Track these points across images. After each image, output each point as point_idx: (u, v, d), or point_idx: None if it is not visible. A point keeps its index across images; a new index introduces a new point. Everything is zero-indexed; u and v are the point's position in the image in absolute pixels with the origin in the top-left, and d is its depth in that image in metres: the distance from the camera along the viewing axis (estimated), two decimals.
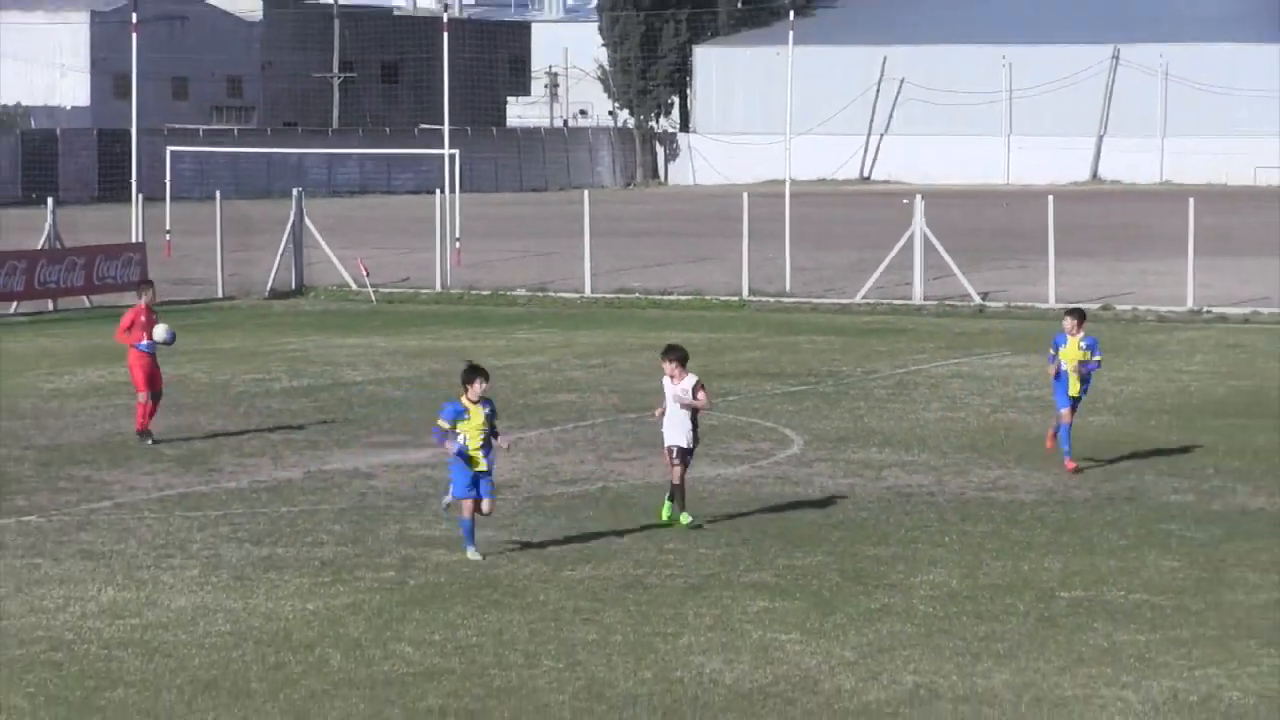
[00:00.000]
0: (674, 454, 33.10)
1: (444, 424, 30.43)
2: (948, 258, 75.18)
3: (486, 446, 30.61)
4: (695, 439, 33.53)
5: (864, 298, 74.95)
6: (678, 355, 33.35)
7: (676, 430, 32.94)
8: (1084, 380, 39.15)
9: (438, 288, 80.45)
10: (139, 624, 27.61)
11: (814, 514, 35.64)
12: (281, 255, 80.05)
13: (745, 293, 77.05)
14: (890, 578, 30.35)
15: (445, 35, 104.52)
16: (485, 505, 30.51)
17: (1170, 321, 69.13)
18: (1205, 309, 70.79)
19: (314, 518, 35.05)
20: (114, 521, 34.60)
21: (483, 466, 30.42)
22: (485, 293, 78.83)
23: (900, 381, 53.85)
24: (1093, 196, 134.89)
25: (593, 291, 77.68)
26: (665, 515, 33.19)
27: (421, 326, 67.25)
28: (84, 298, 72.16)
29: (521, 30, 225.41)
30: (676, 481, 33.09)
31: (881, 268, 76.63)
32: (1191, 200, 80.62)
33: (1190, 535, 34.08)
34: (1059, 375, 38.52)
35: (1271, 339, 63.80)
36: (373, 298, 77.22)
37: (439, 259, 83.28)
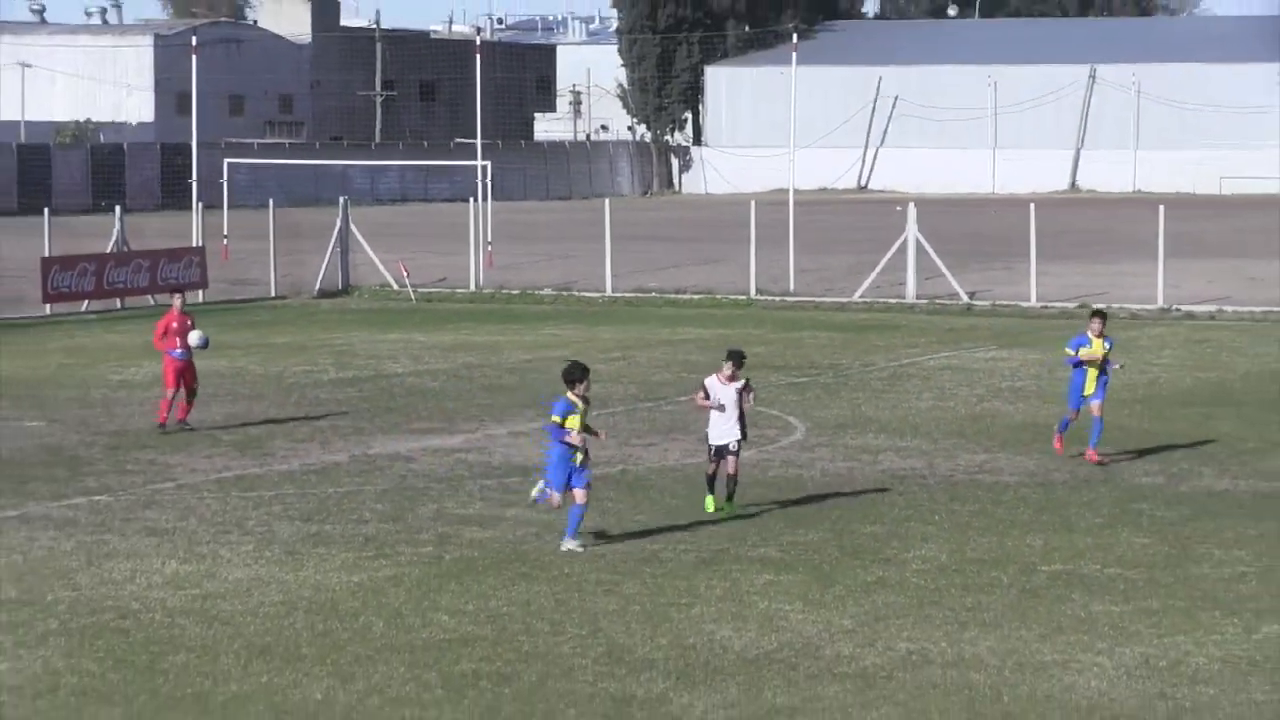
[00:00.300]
0: (717, 452, 32.91)
1: (557, 419, 30.33)
2: (938, 260, 75.11)
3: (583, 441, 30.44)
4: (744, 433, 33.25)
5: (861, 297, 74.86)
6: (741, 360, 33.13)
7: (722, 432, 32.68)
8: (1102, 379, 38.80)
9: (471, 287, 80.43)
10: (199, 594, 27.73)
11: (815, 495, 35.74)
12: (329, 258, 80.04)
13: (753, 292, 77.01)
14: (885, 553, 30.44)
15: (478, 57, 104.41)
16: (579, 495, 30.17)
17: (1141, 319, 69.09)
18: (1174, 307, 70.72)
19: (358, 498, 35.14)
20: (176, 501, 34.70)
21: (580, 459, 30.18)
22: (515, 292, 78.80)
23: (894, 374, 53.84)
24: (1071, 204, 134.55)
25: (613, 291, 77.62)
26: (710, 506, 33.02)
27: (457, 323, 67.23)
28: (149, 297, 72.11)
29: (548, 52, 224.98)
30: (730, 472, 32.75)
31: (878, 269, 76.59)
32: (1161, 208, 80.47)
33: (1160, 514, 34.14)
34: (1078, 373, 38.25)
35: (1235, 335, 63.75)
36: (412, 297, 77.19)
37: (473, 261, 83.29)
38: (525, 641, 25.35)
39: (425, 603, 27.40)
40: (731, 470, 32.50)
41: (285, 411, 45.86)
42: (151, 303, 71.74)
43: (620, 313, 71.61)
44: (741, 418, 32.84)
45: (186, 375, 41.93)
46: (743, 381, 32.33)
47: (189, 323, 42.18)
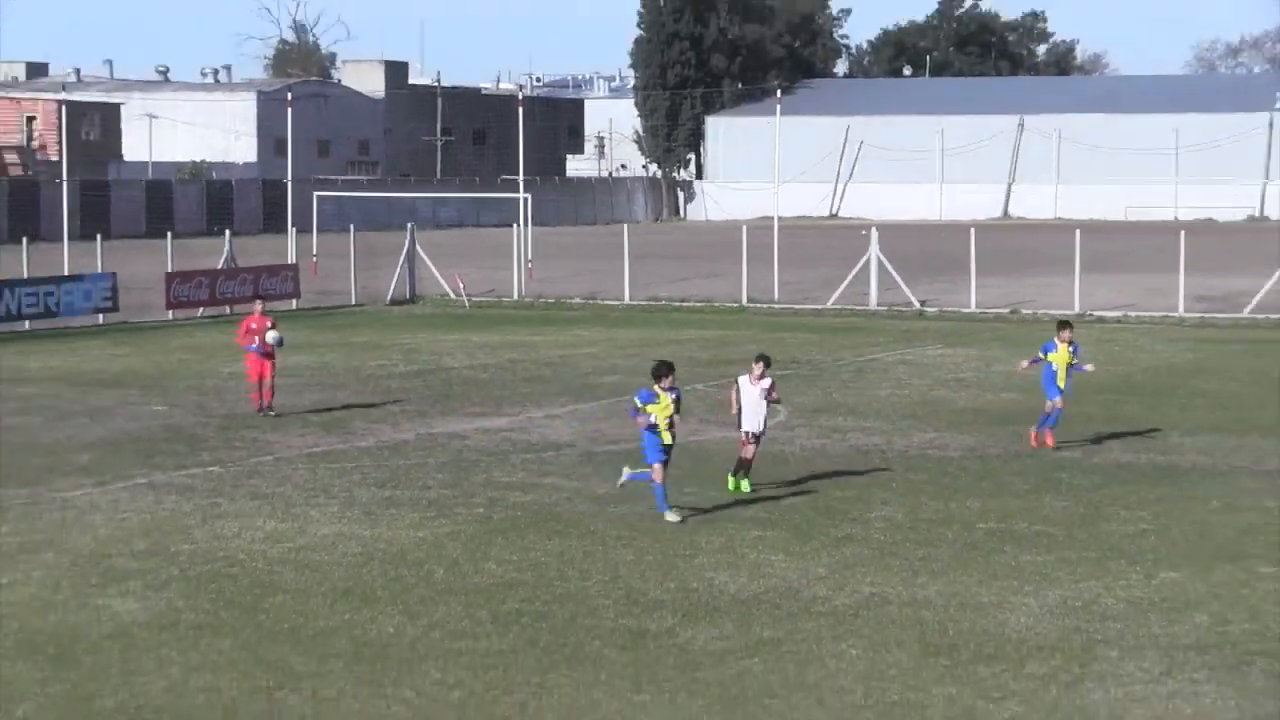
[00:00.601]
0: (749, 436, 32.52)
1: (638, 403, 29.99)
2: (895, 274, 75.04)
3: (670, 425, 30.14)
4: (765, 425, 33.04)
5: (833, 304, 74.72)
6: (769, 362, 32.91)
7: (754, 419, 32.35)
8: (1068, 378, 38.48)
9: (515, 297, 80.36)
10: (293, 547, 27.78)
11: (795, 466, 35.76)
12: (398, 273, 79.95)
13: (744, 300, 76.86)
14: (852, 513, 30.46)
15: (520, 109, 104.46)
16: (658, 471, 29.82)
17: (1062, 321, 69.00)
18: (1088, 313, 70.59)
19: (422, 468, 35.15)
20: (274, 471, 34.74)
21: (669, 440, 29.86)
22: (550, 300, 78.74)
23: (860, 368, 53.80)
24: (1004, 228, 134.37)
25: (630, 300, 77.49)
26: (731, 487, 32.50)
27: (502, 326, 67.20)
28: (254, 303, 72.14)
29: (577, 105, 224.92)
30: (748, 457, 32.49)
31: (846, 282, 76.48)
32: (1078, 232, 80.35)
33: (1077, 482, 34.14)
34: (1048, 373, 37.88)
35: (1137, 335, 63.71)
36: (466, 304, 77.12)
37: (515, 275, 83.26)
38: (559, 585, 25.47)
39: (477, 554, 27.48)
40: (748, 456, 32.26)
41: (363, 398, 45.87)
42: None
43: (636, 317, 71.53)
44: (765, 416, 32.68)
45: (264, 368, 41.92)
46: (769, 381, 32.15)
47: (268, 323, 42.12)
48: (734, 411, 32.72)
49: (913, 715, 19.61)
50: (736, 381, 32.61)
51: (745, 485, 32.45)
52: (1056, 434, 37.84)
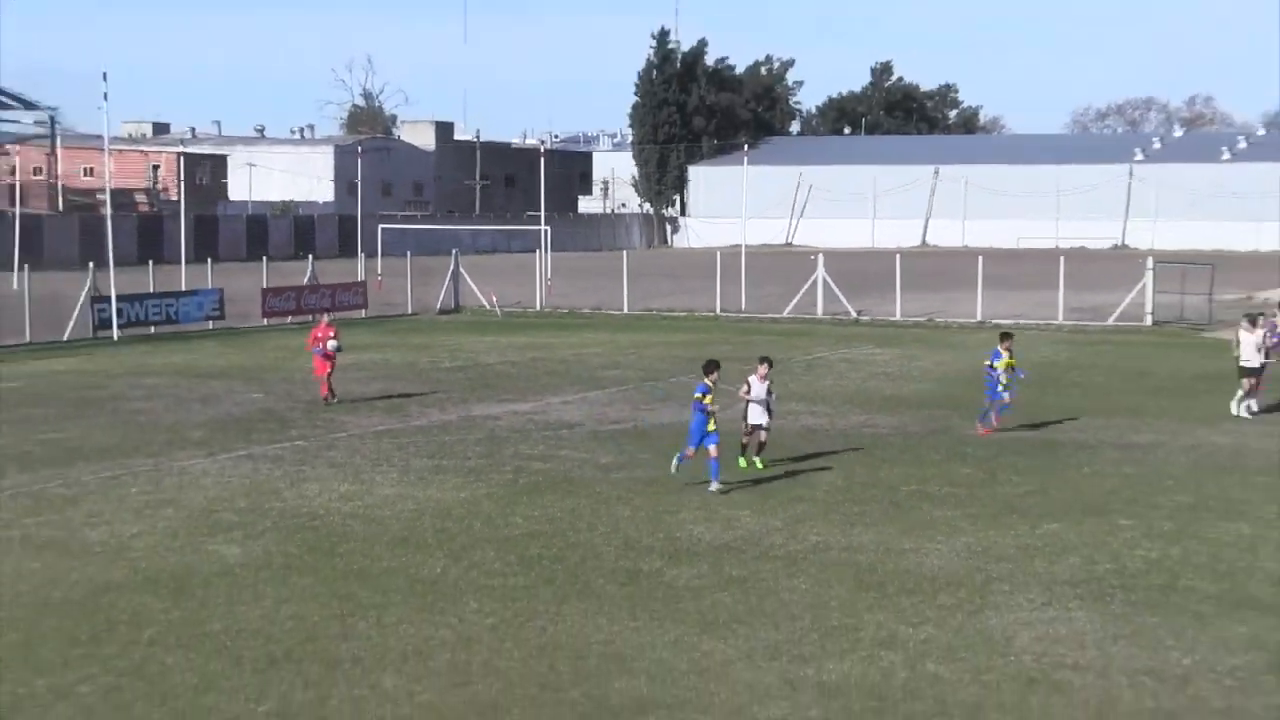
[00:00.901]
0: (752, 429, 31.87)
1: (698, 396, 29.61)
2: (837, 290, 74.92)
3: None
4: (771, 415, 32.26)
5: (788, 313, 74.68)
6: (770, 362, 32.53)
7: (759, 414, 31.70)
8: (1011, 382, 37.57)
9: (537, 308, 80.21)
10: (361, 505, 27.76)
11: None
12: (445, 288, 79.88)
13: (718, 310, 76.79)
14: (802, 479, 30.46)
15: (541, 159, 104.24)
16: (713, 450, 29.29)
17: (966, 328, 68.93)
18: (987, 321, 70.59)
19: (463, 443, 35.10)
20: (347, 445, 34.71)
21: (713, 426, 29.42)
22: (564, 310, 78.63)
23: (809, 364, 53.72)
24: (922, 255, 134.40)
25: (628, 310, 77.39)
26: (744, 464, 31.82)
27: (527, 330, 67.14)
28: (331, 314, 72.08)
29: (586, 156, 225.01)
30: (762, 440, 31.72)
31: (799, 295, 76.40)
32: (980, 257, 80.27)
33: (978, 453, 34.11)
34: (991, 378, 37.09)
35: (1026, 339, 63.62)
36: (499, 314, 77.05)
37: (537, 291, 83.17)
38: (570, 535, 25.46)
39: (506, 510, 27.46)
40: (763, 440, 31.65)
41: (416, 388, 45.81)
42: (334, 319, 71.63)
43: (633, 324, 71.45)
44: (769, 406, 32.20)
45: (325, 367, 41.75)
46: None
47: (331, 333, 42.02)
48: (745, 404, 32.07)
49: (849, 637, 19.64)
50: (748, 380, 31.99)
51: (759, 463, 31.88)
52: (988, 423, 37.37)
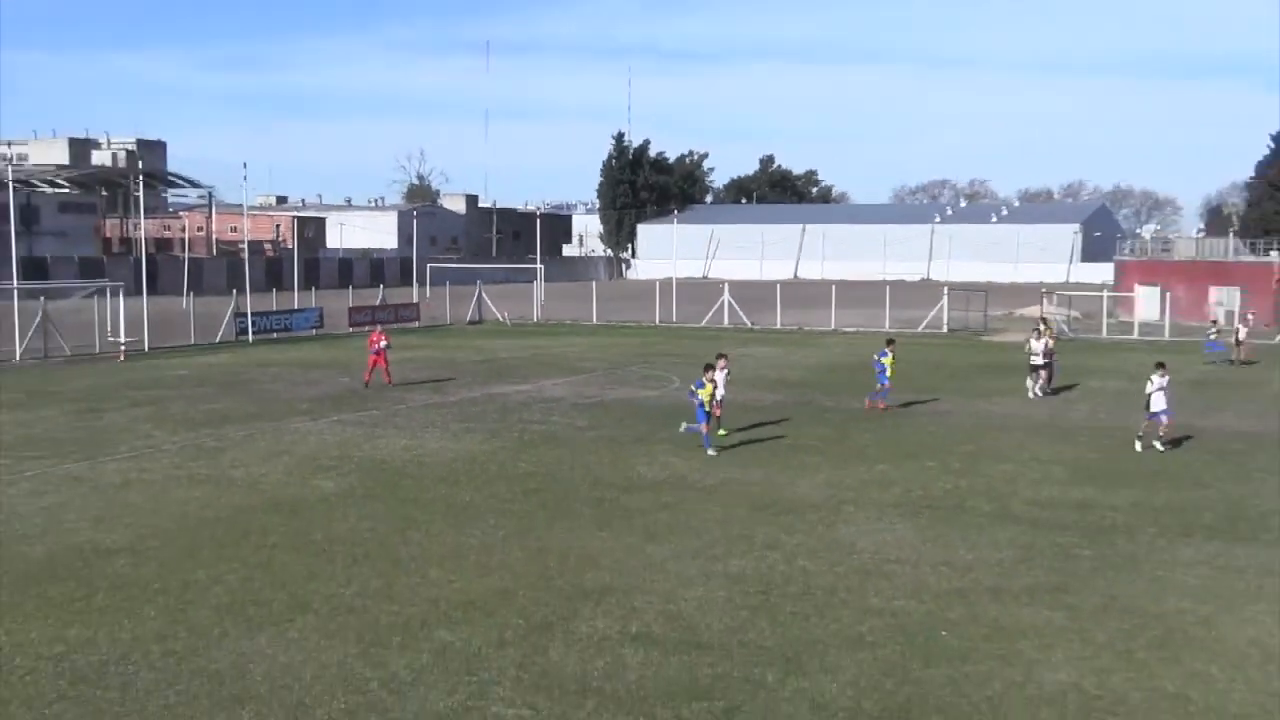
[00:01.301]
0: (719, 403, 29.71)
1: (694, 388, 28.58)
2: (738, 308, 74.94)
3: (712, 399, 28.56)
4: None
5: (705, 324, 74.70)
6: (727, 357, 31.75)
7: (723, 392, 30.19)
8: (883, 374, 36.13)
9: (535, 320, 79.99)
10: (415, 454, 27.62)
11: (685, 410, 35.37)
12: (472, 307, 79.56)
13: (657, 321, 76.76)
14: (716, 436, 30.37)
15: (538, 220, 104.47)
16: (704, 427, 28.03)
17: (825, 333, 69.02)
18: (840, 329, 70.68)
19: (485, 412, 34.94)
20: (407, 414, 34.51)
21: (709, 409, 28.22)
22: (554, 322, 78.41)
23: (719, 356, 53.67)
24: (795, 285, 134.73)
25: (596, 321, 77.22)
26: (722, 433, 30.18)
27: (528, 336, 66.99)
28: (394, 324, 71.80)
29: (568, 217, 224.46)
30: (718, 414, 29.73)
31: (712, 311, 76.45)
32: (833, 286, 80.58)
33: (833, 418, 34.09)
34: (881, 372, 35.57)
35: (864, 341, 63.73)
36: (509, 324, 76.81)
37: (535, 308, 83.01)
38: (557, 474, 25.36)
39: (514, 458, 27.35)
40: (718, 414, 29.74)
41: (452, 374, 45.59)
42: (394, 328, 71.32)
43: (599, 331, 71.24)
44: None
45: (381, 360, 41.00)
46: (727, 370, 30.91)
47: (383, 338, 41.58)
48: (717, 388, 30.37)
49: (746, 542, 19.61)
50: (713, 373, 29.94)
51: (722, 431, 30.32)
52: (875, 401, 36.08)
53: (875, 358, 36.91)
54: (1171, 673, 13.98)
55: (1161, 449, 28.79)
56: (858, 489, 24.01)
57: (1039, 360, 40.07)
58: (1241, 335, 53.57)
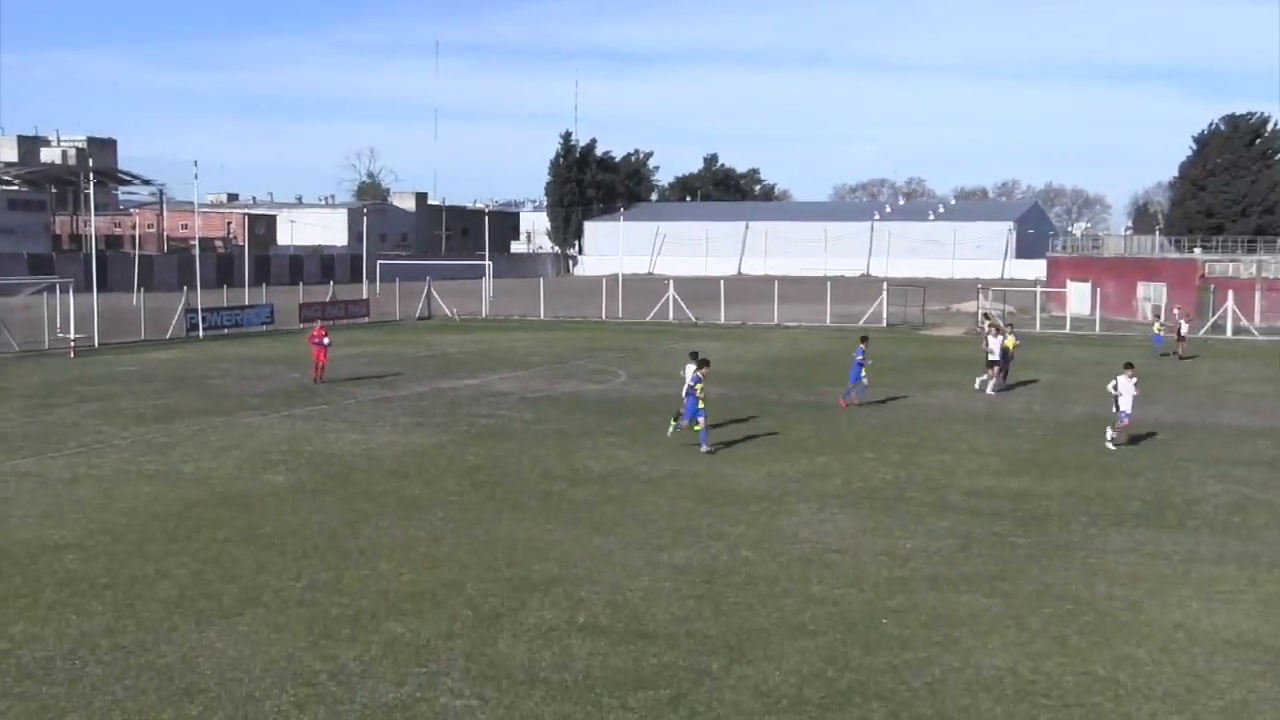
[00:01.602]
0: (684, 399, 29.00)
1: (693, 384, 27.53)
2: (682, 303, 75.03)
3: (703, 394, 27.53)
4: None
5: (650, 319, 74.69)
6: (698, 356, 29.62)
7: (687, 389, 28.68)
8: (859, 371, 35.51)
9: (483, 315, 79.62)
10: (365, 448, 27.41)
11: (631, 404, 35.58)
12: (421, 302, 79.11)
13: (604, 317, 76.66)
14: (660, 428, 30.23)
15: (486, 217, 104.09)
16: (702, 421, 27.15)
17: (768, 329, 69.18)
18: (783, 324, 70.91)
19: (434, 406, 34.75)
20: (356, 408, 34.26)
21: (702, 405, 27.22)
22: (502, 318, 78.18)
23: (664, 352, 53.59)
24: (739, 280, 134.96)
25: (544, 316, 77.05)
26: (674, 427, 28.95)
27: (477, 331, 66.70)
28: (344, 320, 71.36)
29: (516, 215, 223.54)
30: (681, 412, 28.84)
31: (657, 307, 76.50)
32: (776, 282, 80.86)
33: (777, 412, 34.12)
34: (856, 367, 34.94)
35: (806, 335, 63.98)
36: (457, 320, 76.39)
37: (484, 304, 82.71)
38: (505, 467, 25.22)
39: (462, 451, 27.20)
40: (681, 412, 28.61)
41: (401, 369, 45.33)
42: (345, 324, 70.85)
43: (547, 326, 71.06)
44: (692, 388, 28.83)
45: (321, 356, 40.41)
46: (702, 372, 28.58)
47: (324, 334, 41.03)
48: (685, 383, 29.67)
49: (691, 533, 19.58)
50: (685, 370, 29.50)
51: (674, 424, 29.26)
52: (849, 398, 35.46)
53: (854, 356, 35.76)
54: (1103, 657, 14.08)
55: (1114, 448, 28.17)
56: (800, 480, 24.04)
57: (995, 357, 39.61)
58: (1184, 331, 54.29)
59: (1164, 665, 13.86)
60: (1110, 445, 28.35)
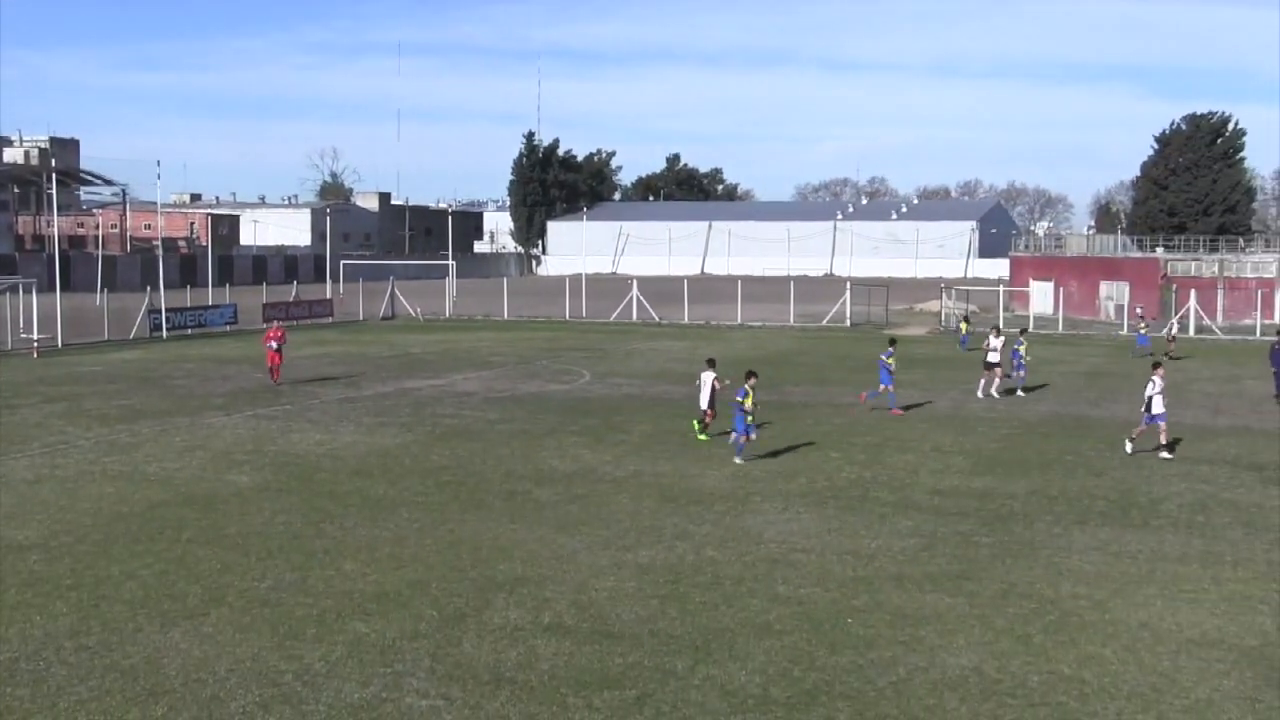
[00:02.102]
0: (704, 413, 29.03)
1: (739, 399, 25.88)
2: (645, 303, 75.09)
3: (755, 406, 26.25)
4: (713, 403, 29.05)
5: (614, 319, 74.69)
6: (713, 362, 30.04)
7: (705, 399, 29.08)
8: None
9: (447, 315, 79.38)
10: (330, 448, 27.28)
11: (595, 404, 35.52)
12: (385, 302, 78.84)
13: (567, 317, 76.58)
14: (623, 429, 30.30)
15: (450, 217, 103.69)
16: (754, 435, 26.05)
17: (733, 329, 69.30)
18: (746, 324, 71.02)
19: (398, 406, 34.62)
20: (320, 408, 34.10)
21: (752, 419, 25.88)
22: (465, 317, 77.92)
23: (628, 351, 53.64)
24: (702, 280, 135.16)
25: (508, 316, 76.91)
26: (701, 436, 28.82)
27: (440, 330, 66.53)
28: (308, 320, 71.06)
29: (479, 215, 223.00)
30: (708, 421, 28.94)
31: (620, 307, 76.52)
32: (739, 282, 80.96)
33: (768, 408, 34.17)
34: (885, 367, 33.62)
35: (770, 334, 64.10)
36: (421, 320, 76.21)
37: (447, 304, 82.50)
38: (470, 467, 25.14)
39: (428, 451, 27.09)
40: (708, 421, 28.84)
41: (366, 368, 45.18)
42: (308, 324, 70.47)
43: (510, 326, 70.93)
44: (713, 395, 29.02)
45: (276, 359, 39.57)
46: (713, 375, 28.97)
47: (280, 334, 40.30)
48: (702, 393, 29.29)
49: (655, 533, 19.56)
50: (701, 376, 29.56)
51: (704, 436, 28.84)
52: (887, 402, 34.66)
53: (881, 357, 34.80)
54: (1068, 655, 14.13)
55: (1169, 456, 26.72)
56: (764, 480, 24.04)
57: (995, 358, 38.23)
58: (1174, 331, 54.93)
59: (1129, 664, 13.91)
60: (1164, 455, 26.87)
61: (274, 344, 39.81)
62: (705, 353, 51.49)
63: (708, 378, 29.54)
